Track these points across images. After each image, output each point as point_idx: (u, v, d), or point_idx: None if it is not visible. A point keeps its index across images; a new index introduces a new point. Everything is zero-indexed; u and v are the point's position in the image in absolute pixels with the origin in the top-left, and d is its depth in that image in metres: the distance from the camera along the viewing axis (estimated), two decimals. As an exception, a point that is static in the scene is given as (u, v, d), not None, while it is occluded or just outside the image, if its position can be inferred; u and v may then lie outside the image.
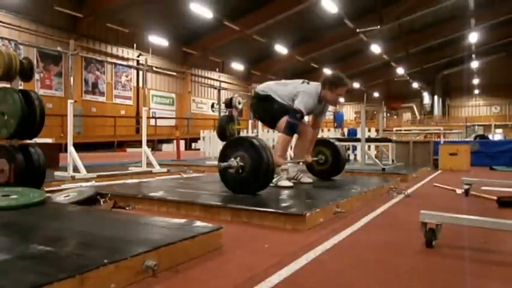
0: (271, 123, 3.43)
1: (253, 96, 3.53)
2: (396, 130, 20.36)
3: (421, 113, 37.25)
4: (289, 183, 3.22)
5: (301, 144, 3.63)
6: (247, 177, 2.75)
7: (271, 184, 3.22)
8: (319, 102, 3.42)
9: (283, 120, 3.24)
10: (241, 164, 2.75)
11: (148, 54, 18.09)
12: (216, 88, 7.30)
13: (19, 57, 3.17)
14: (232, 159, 2.78)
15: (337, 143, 4.10)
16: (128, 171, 4.89)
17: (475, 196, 3.42)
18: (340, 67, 29.18)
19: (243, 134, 7.99)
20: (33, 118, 3.10)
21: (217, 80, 19.11)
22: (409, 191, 3.62)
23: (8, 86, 3.19)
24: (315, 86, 3.37)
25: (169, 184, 3.59)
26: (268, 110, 3.39)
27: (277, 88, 3.38)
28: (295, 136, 3.59)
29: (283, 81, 3.53)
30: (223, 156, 2.87)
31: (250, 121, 7.85)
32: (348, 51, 26.16)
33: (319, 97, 3.37)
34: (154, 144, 15.89)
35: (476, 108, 36.64)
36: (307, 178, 3.61)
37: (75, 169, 4.30)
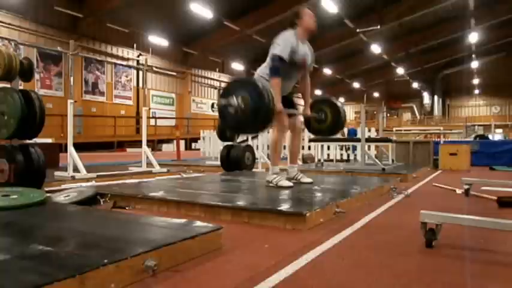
0: None
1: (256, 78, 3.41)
2: (396, 130, 20.38)
3: (421, 113, 37.27)
4: (289, 183, 3.20)
5: (292, 143, 3.58)
6: (246, 119, 2.72)
7: (270, 184, 3.22)
8: (302, 43, 3.30)
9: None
10: (242, 105, 2.70)
11: (148, 54, 18.25)
12: (216, 88, 7.31)
13: (19, 57, 3.17)
14: (234, 98, 2.73)
15: (339, 103, 3.96)
16: (128, 171, 4.89)
17: (475, 196, 3.42)
18: (340, 67, 29.25)
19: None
20: (33, 118, 3.10)
21: (217, 80, 19.20)
22: (409, 191, 3.62)
23: (8, 86, 3.20)
24: (287, 32, 3.25)
25: (169, 184, 3.59)
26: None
27: (262, 71, 3.29)
28: (289, 134, 3.54)
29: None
30: (226, 93, 2.82)
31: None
32: (348, 51, 26.16)
33: (297, 38, 3.24)
34: (154, 144, 15.90)
35: (476, 108, 36.65)
36: (307, 178, 3.58)
37: (75, 169, 4.30)
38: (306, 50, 3.35)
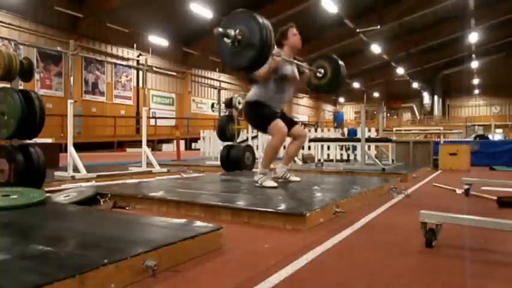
0: (264, 129, 3.39)
1: (245, 105, 3.54)
2: (396, 130, 20.39)
3: (421, 113, 37.27)
4: (273, 184, 3.20)
5: (293, 147, 3.63)
6: (242, 52, 2.69)
7: (256, 184, 3.25)
8: (290, 64, 3.42)
9: (274, 125, 3.24)
10: (239, 37, 2.67)
11: (148, 54, 18.25)
12: (216, 88, 7.30)
13: (19, 57, 3.18)
14: (232, 29, 2.69)
15: (340, 61, 3.91)
16: (128, 171, 4.89)
17: (475, 196, 3.42)
18: (341, 67, 29.22)
19: (243, 134, 8.00)
20: (33, 118, 3.10)
21: (217, 80, 19.20)
22: (409, 191, 3.61)
23: (8, 86, 3.20)
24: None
25: (169, 184, 3.59)
26: (258, 115, 3.37)
27: (260, 90, 3.39)
28: (289, 139, 3.60)
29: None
30: (225, 24, 2.77)
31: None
32: (348, 51, 26.12)
33: (286, 52, 3.37)
34: (154, 144, 15.90)
35: (476, 108, 36.66)
36: (295, 177, 3.65)
37: (75, 169, 4.30)
38: (293, 67, 3.50)
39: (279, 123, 3.26)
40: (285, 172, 3.64)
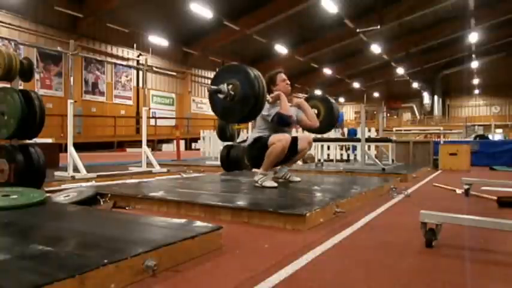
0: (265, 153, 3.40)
1: (247, 146, 3.55)
2: (396, 130, 20.40)
3: (421, 113, 37.27)
4: (273, 184, 3.20)
5: (298, 154, 3.63)
6: (236, 106, 2.73)
7: (257, 184, 3.25)
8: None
9: (272, 137, 3.25)
10: (232, 92, 2.72)
11: (148, 54, 18.25)
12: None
13: (19, 57, 3.18)
14: (224, 85, 2.74)
15: (332, 101, 4.03)
16: (128, 171, 4.89)
17: (475, 196, 3.42)
18: (340, 67, 29.26)
19: (243, 134, 8.00)
20: (33, 118, 3.10)
21: (217, 80, 19.15)
22: (409, 191, 3.62)
23: (8, 86, 3.20)
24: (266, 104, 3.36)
25: (169, 184, 3.59)
26: (261, 147, 3.36)
27: (258, 125, 3.48)
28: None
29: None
30: (216, 79, 2.84)
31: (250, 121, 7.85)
32: (348, 51, 26.17)
33: (273, 105, 3.41)
34: (154, 144, 15.90)
35: (476, 108, 36.65)
36: (296, 177, 3.67)
37: (75, 169, 4.30)
38: (296, 112, 3.58)
39: (278, 135, 3.26)
40: (285, 172, 3.66)
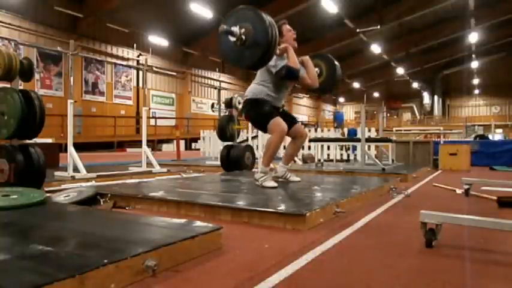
0: (263, 127, 3.36)
1: (244, 103, 3.50)
2: (396, 130, 20.40)
3: (421, 113, 37.27)
4: (274, 184, 3.19)
5: (293, 147, 3.63)
6: (245, 51, 2.65)
7: (257, 183, 3.25)
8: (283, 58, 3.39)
9: (273, 122, 3.24)
10: (243, 36, 2.62)
11: (148, 54, 18.25)
12: (216, 88, 7.30)
13: (19, 57, 3.17)
14: (237, 27, 2.64)
15: (334, 60, 3.90)
16: (128, 171, 4.89)
17: (475, 196, 3.42)
18: (340, 67, 29.20)
19: (243, 134, 8.00)
20: (33, 118, 3.10)
21: (217, 80, 19.17)
22: (409, 191, 3.61)
23: (8, 86, 3.20)
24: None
25: (169, 184, 3.59)
26: (258, 114, 3.36)
27: (260, 87, 3.37)
28: (288, 138, 3.59)
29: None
30: (229, 19, 2.74)
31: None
32: (348, 51, 26.16)
33: (280, 57, 3.33)
34: (154, 144, 15.90)
35: (476, 108, 36.66)
36: (296, 177, 3.64)
37: (75, 169, 4.30)
38: (301, 67, 3.48)
39: (278, 120, 3.25)
40: (285, 172, 3.64)
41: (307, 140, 9.01)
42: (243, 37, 2.63)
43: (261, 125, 3.38)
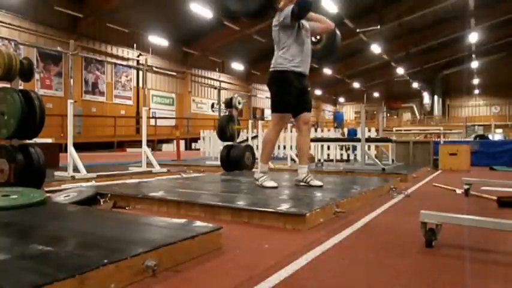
0: (272, 110, 3.31)
1: (270, 74, 3.35)
2: (396, 130, 20.40)
3: (421, 113, 37.27)
4: (273, 184, 3.17)
5: (301, 140, 3.45)
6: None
7: (257, 183, 3.25)
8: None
9: (278, 116, 3.24)
10: None
11: (148, 54, 18.24)
12: (216, 88, 7.30)
13: (19, 57, 3.17)
14: None
15: (337, 31, 3.84)
16: (128, 171, 4.89)
17: (475, 196, 3.42)
18: (340, 67, 29.25)
19: (243, 134, 8.00)
20: (33, 118, 3.10)
21: (217, 80, 19.20)
22: (409, 191, 3.62)
23: (8, 86, 3.20)
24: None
25: (169, 184, 3.59)
26: (276, 95, 3.28)
27: (284, 51, 3.25)
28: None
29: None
30: None
31: (250, 121, 7.86)
32: (348, 51, 26.15)
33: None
34: (154, 144, 15.90)
35: (476, 108, 36.66)
36: (317, 181, 3.31)
37: (75, 169, 4.30)
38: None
39: (283, 117, 3.27)
40: (306, 175, 3.34)
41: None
42: None
43: (272, 106, 3.30)
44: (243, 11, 2.67)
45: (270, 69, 3.33)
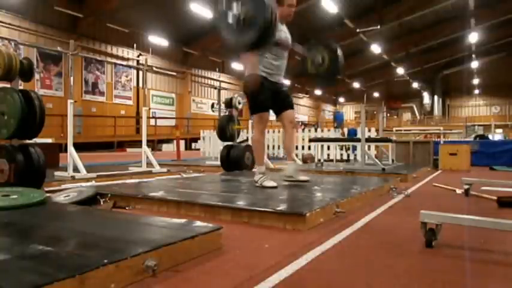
0: (251, 112, 3.39)
1: (246, 77, 3.41)
2: (396, 130, 20.40)
3: (421, 113, 37.27)
4: (273, 184, 3.19)
5: (286, 137, 3.55)
6: (244, 31, 2.62)
7: (257, 184, 3.26)
8: (281, 24, 3.36)
9: (258, 116, 3.29)
10: (243, 16, 2.60)
11: (148, 54, 18.25)
12: (216, 88, 7.30)
13: (19, 57, 3.17)
14: (235, 8, 2.62)
15: (337, 48, 3.83)
16: (128, 171, 4.89)
17: (475, 196, 3.42)
18: (340, 67, 29.23)
19: (243, 134, 8.00)
20: (33, 118, 3.10)
21: (217, 80, 19.22)
22: (409, 191, 3.62)
23: (8, 86, 3.20)
24: None
25: (169, 184, 3.59)
26: (252, 97, 3.34)
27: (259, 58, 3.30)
28: (281, 132, 3.61)
29: None
30: (228, 1, 2.71)
31: (250, 121, 7.86)
32: (348, 51, 26.10)
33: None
34: (154, 144, 15.90)
35: (476, 108, 36.66)
36: (304, 176, 3.56)
37: (75, 169, 4.30)
38: (286, 32, 3.43)
39: (263, 116, 3.31)
40: (292, 172, 3.49)
41: (307, 140, 9.06)
42: (243, 18, 2.60)
43: (250, 108, 3.39)
44: (243, 48, 2.71)
45: (247, 74, 3.41)
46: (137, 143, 10.78)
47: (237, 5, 2.63)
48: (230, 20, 2.65)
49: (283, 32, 3.36)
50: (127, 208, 2.74)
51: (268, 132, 9.44)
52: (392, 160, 6.76)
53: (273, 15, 2.56)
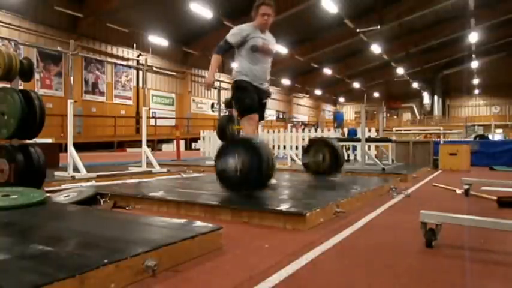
0: (240, 114, 3.50)
1: (232, 83, 3.58)
2: (396, 130, 20.40)
3: (421, 113, 37.27)
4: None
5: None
6: (242, 180, 2.73)
7: None
8: (262, 32, 3.45)
9: (247, 118, 3.38)
10: (240, 166, 2.73)
11: (148, 54, 18.26)
12: (216, 88, 7.30)
13: (19, 57, 3.17)
14: (231, 160, 2.76)
15: (336, 143, 4.18)
16: (127, 171, 4.89)
17: (475, 196, 3.42)
18: (340, 67, 29.26)
19: (243, 134, 7.97)
20: (33, 118, 3.10)
21: (217, 80, 19.28)
22: (409, 191, 3.62)
23: (8, 86, 3.19)
24: (244, 24, 3.47)
25: (169, 184, 3.59)
26: (240, 100, 3.48)
27: (242, 63, 3.47)
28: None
29: None
30: (224, 152, 2.85)
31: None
32: (348, 51, 26.18)
33: (255, 28, 3.41)
34: (154, 144, 15.90)
35: (476, 108, 36.66)
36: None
37: (75, 169, 4.30)
38: (267, 38, 3.51)
39: (252, 118, 3.37)
40: None
41: (306, 139, 9.02)
42: (240, 168, 2.73)
43: (239, 112, 3.52)
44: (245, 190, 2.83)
45: (232, 79, 3.58)
46: (137, 143, 10.78)
47: (232, 156, 2.77)
48: (229, 173, 2.78)
49: (261, 39, 3.42)
50: (127, 208, 2.74)
51: (268, 132, 9.45)
52: (392, 160, 6.76)
53: (270, 163, 2.70)
